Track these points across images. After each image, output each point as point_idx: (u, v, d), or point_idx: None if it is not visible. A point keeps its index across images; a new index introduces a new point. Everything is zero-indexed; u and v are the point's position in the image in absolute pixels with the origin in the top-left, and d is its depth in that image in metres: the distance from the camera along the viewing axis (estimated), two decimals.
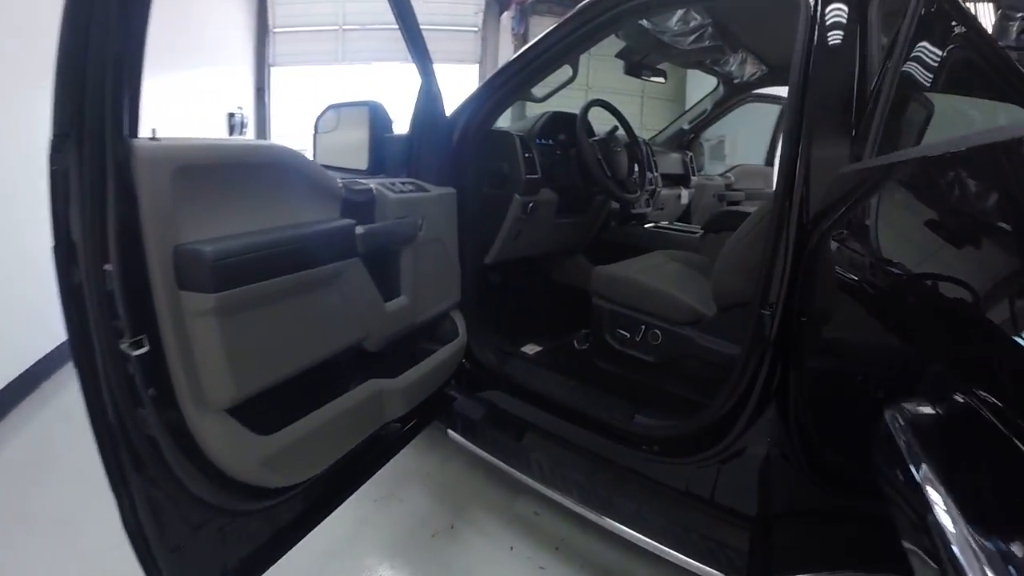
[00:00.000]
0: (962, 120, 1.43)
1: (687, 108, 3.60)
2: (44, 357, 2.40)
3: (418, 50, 1.62)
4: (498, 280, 2.35)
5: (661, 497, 1.51)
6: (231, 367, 0.96)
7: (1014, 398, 0.54)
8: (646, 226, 2.65)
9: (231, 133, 5.69)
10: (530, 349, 2.14)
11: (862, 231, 1.03)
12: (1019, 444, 0.48)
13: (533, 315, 2.46)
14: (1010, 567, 0.44)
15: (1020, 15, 1.99)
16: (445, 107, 1.75)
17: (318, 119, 1.76)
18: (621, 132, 2.39)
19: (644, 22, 2.43)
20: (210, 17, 5.40)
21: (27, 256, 1.88)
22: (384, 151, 1.66)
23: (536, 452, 1.70)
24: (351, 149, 1.66)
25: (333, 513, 1.38)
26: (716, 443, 1.40)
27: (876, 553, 0.88)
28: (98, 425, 0.88)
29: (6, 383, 2.21)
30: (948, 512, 0.51)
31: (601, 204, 2.45)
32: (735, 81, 3.05)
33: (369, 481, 1.49)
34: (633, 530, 1.49)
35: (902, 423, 0.65)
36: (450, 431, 1.83)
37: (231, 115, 5.71)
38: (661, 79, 2.81)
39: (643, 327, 1.83)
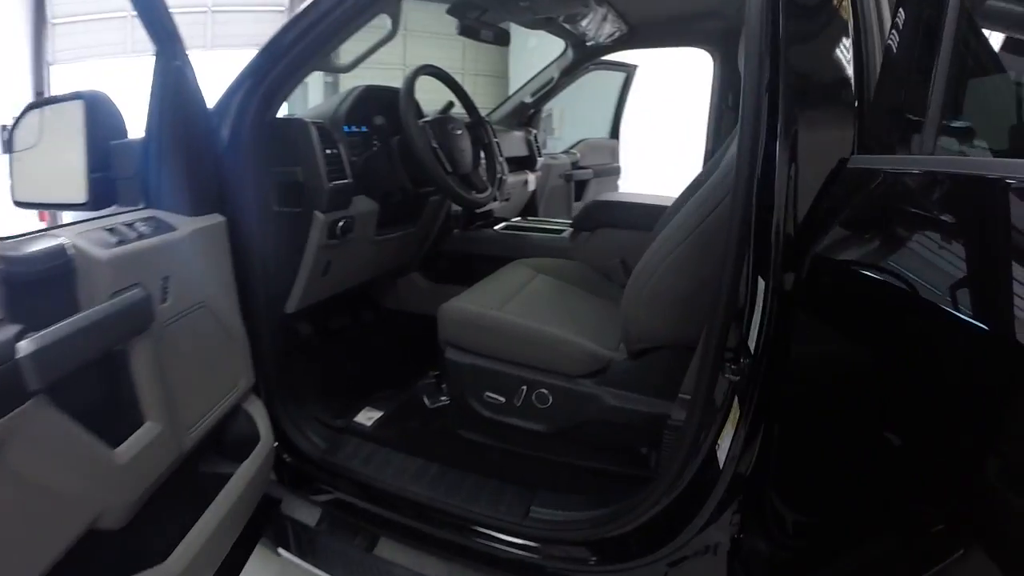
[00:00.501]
0: None
1: (513, 85, 3.15)
2: None
3: (150, 15, 1.03)
4: (308, 331, 1.78)
5: None
6: None
7: None
8: (496, 227, 2.19)
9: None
10: (367, 417, 1.61)
11: (893, 253, 0.69)
12: None
13: (364, 365, 1.95)
14: None
15: None
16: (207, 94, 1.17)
17: (13, 128, 1.11)
18: (459, 110, 1.89)
19: None
20: None
21: None
22: (113, 169, 1.07)
23: (401, 567, 1.28)
24: (63, 172, 1.06)
25: None
26: (662, 541, 1.05)
27: None
28: None
29: None
30: None
31: (436, 208, 1.98)
32: (587, 44, 2.66)
33: None
34: None
35: None
36: (280, 550, 1.35)
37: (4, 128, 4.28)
38: (503, 41, 2.33)
39: (524, 388, 1.38)
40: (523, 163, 2.93)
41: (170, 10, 1.05)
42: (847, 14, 0.84)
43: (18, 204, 1.10)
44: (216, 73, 1.27)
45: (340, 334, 1.95)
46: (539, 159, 3.02)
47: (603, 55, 2.84)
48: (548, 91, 2.94)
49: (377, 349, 2.04)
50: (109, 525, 0.85)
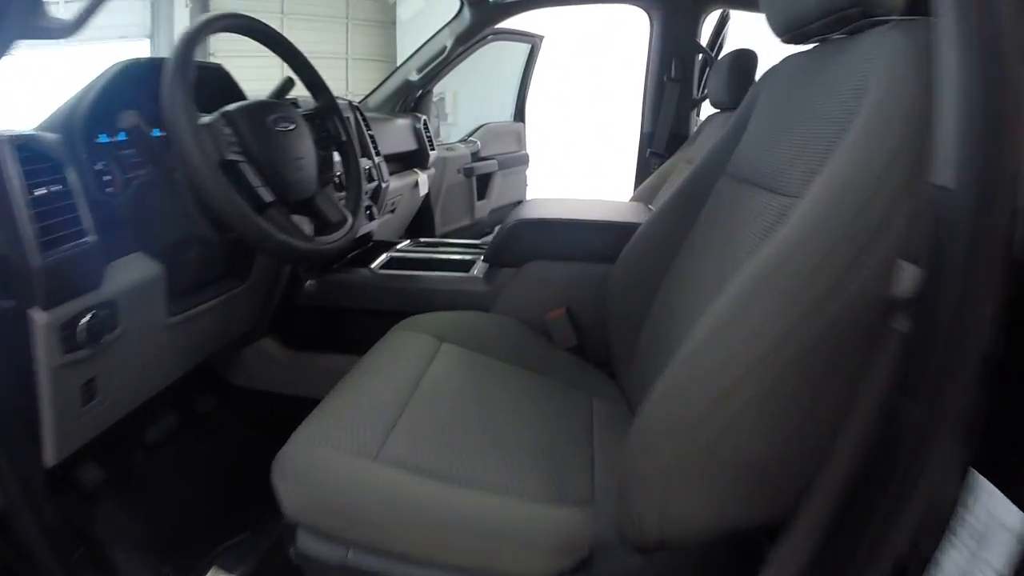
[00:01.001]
0: None
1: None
2: None
3: None
4: (97, 475, 1.08)
5: None
6: None
7: None
8: (374, 265, 1.51)
9: None
10: None
11: None
12: None
13: (206, 490, 1.29)
14: None
15: None
16: None
17: None
18: (305, 95, 1.21)
19: None
20: None
21: None
22: None
23: None
24: None
25: None
26: None
27: None
28: None
29: None
30: None
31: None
32: (490, 0, 2.03)
33: None
34: None
35: None
36: None
37: None
38: None
39: None
40: (411, 160, 2.28)
41: None
42: None
43: None
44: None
45: (164, 448, 1.25)
46: (432, 153, 2.37)
47: (508, 16, 2.22)
48: (440, 65, 2.28)
49: (223, 457, 1.36)
50: None
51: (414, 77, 2.29)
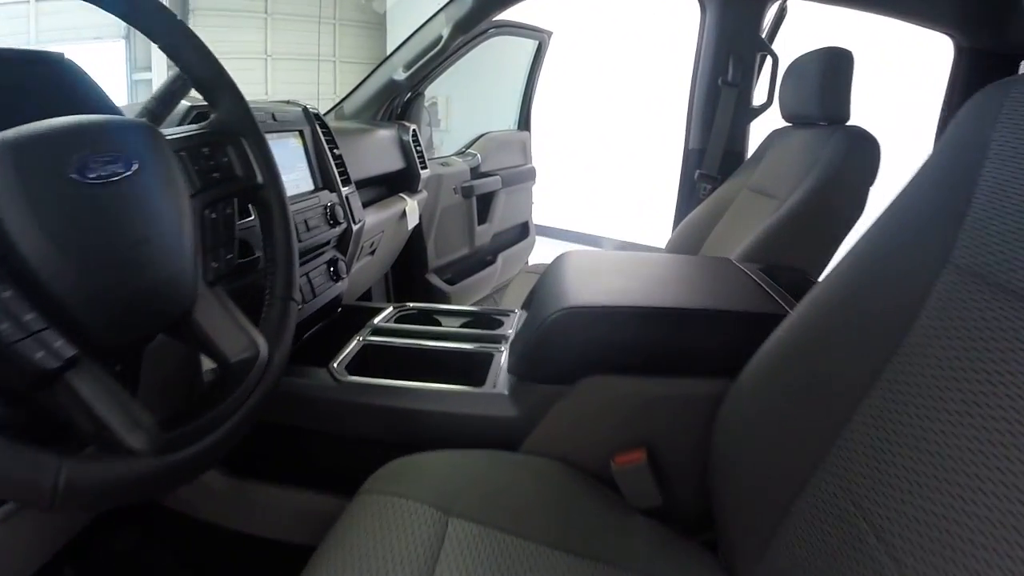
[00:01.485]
0: None
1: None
2: None
3: None
4: None
5: None
6: None
7: None
8: (336, 363, 1.00)
9: None
10: None
11: None
12: None
13: None
14: None
15: None
16: None
17: None
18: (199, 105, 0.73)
19: None
20: None
21: None
22: None
23: None
24: None
25: None
26: None
27: None
28: None
29: None
30: None
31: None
32: None
33: None
34: None
35: None
36: None
37: None
38: None
39: None
40: (396, 182, 1.79)
41: None
42: None
43: None
44: None
45: None
46: (423, 172, 1.88)
47: (516, 1, 1.73)
48: (434, 60, 1.79)
49: None
50: None
51: (401, 76, 1.79)
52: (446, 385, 0.90)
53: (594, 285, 0.88)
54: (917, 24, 1.80)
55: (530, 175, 2.96)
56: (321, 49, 7.59)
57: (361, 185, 1.39)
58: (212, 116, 0.64)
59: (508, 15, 1.83)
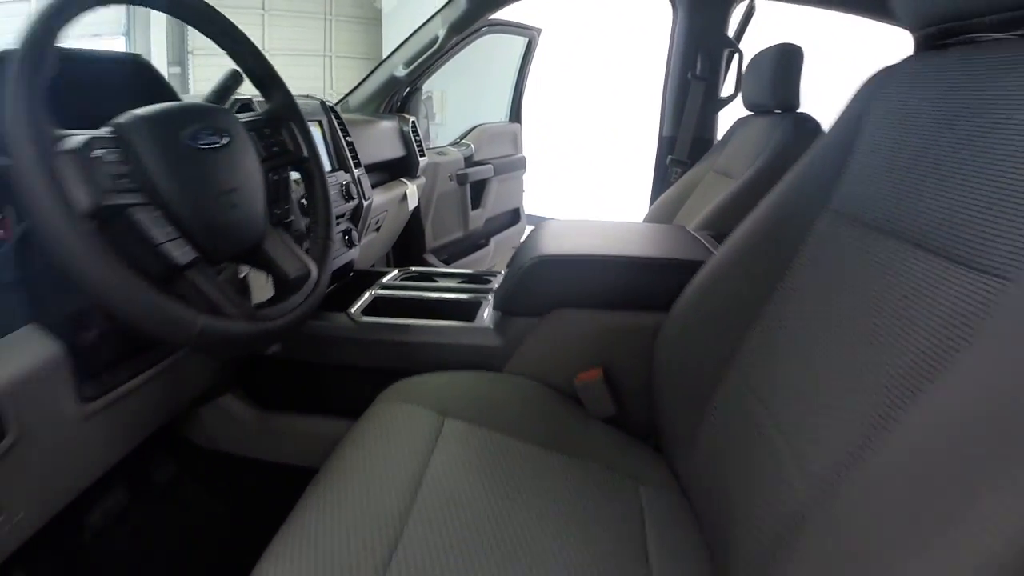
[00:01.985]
0: None
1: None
2: None
3: None
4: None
5: None
6: None
7: None
8: (354, 308, 1.22)
9: None
10: None
11: None
12: None
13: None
14: None
15: None
16: None
17: None
18: (256, 97, 0.94)
19: None
20: None
21: None
22: None
23: None
24: None
25: None
26: None
27: None
28: None
29: None
30: None
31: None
32: None
33: None
34: None
35: None
36: None
37: None
38: None
39: None
40: (398, 168, 2.00)
41: None
42: None
43: None
44: None
45: (109, 532, 1.03)
46: (422, 160, 2.09)
47: (508, 3, 1.94)
48: (431, 58, 2.00)
49: (181, 533, 1.16)
50: None
51: (401, 72, 2.01)
52: (443, 321, 1.12)
53: (564, 241, 1.10)
54: (877, 20, 2.01)
55: (521, 164, 3.17)
56: (315, 45, 7.75)
57: (367, 170, 1.61)
58: (267, 106, 0.86)
59: (500, 14, 2.04)
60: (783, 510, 0.56)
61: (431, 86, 2.93)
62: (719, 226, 1.46)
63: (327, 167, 1.37)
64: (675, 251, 1.07)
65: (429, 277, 1.42)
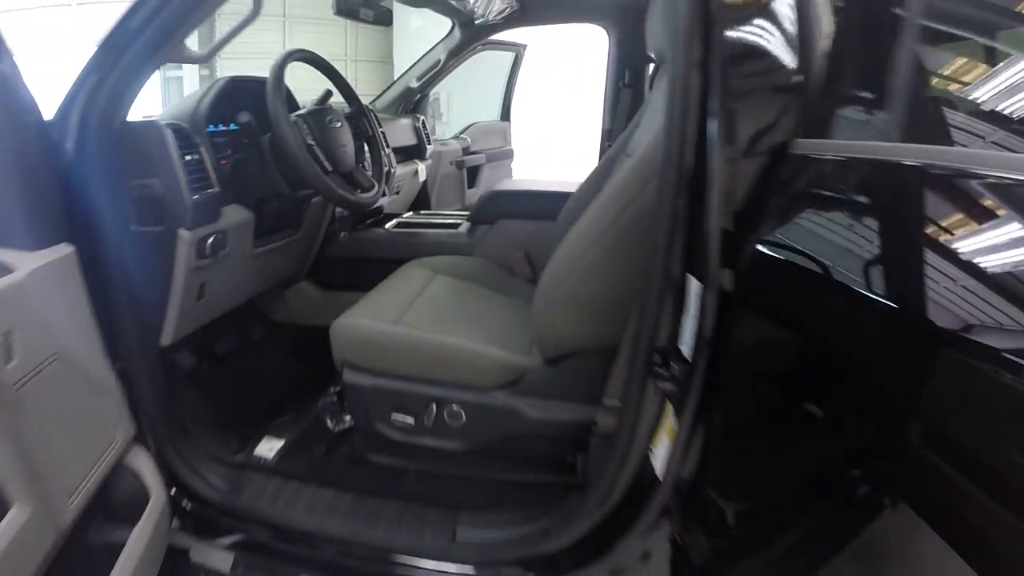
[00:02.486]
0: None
1: (398, 70, 3.04)
2: None
3: None
4: (191, 361, 1.64)
5: None
6: None
7: None
8: (387, 225, 2.11)
9: None
10: (268, 448, 1.51)
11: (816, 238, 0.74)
12: None
13: (259, 390, 1.84)
14: None
15: None
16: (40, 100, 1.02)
17: None
18: (338, 99, 1.80)
19: None
20: None
21: None
22: None
23: None
24: None
25: None
26: (601, 550, 1.07)
27: None
28: None
29: None
30: None
31: (319, 210, 1.88)
32: (476, 22, 2.61)
33: None
34: None
35: None
36: None
37: None
38: (384, 21, 2.22)
39: (433, 405, 1.33)
40: (412, 152, 2.86)
41: None
42: None
43: None
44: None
45: (228, 359, 1.81)
46: (429, 147, 2.95)
47: (493, 34, 2.80)
48: (435, 74, 2.86)
49: (271, 369, 1.93)
50: None
51: (414, 84, 2.87)
52: (439, 230, 1.99)
53: (507, 185, 1.95)
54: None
55: (508, 154, 4.01)
56: (337, 49, 8.46)
57: (392, 151, 2.46)
58: (348, 109, 1.72)
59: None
60: None
61: (439, 89, 3.78)
62: None
63: None
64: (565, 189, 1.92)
65: (432, 215, 2.29)
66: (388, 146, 2.35)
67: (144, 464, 1.14)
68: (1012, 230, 0.55)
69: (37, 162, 0.99)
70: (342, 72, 1.70)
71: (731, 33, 0.83)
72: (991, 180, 0.57)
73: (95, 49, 1.11)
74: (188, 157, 1.32)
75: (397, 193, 2.62)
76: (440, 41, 2.80)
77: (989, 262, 0.56)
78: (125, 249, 1.17)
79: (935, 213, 0.62)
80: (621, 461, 1.00)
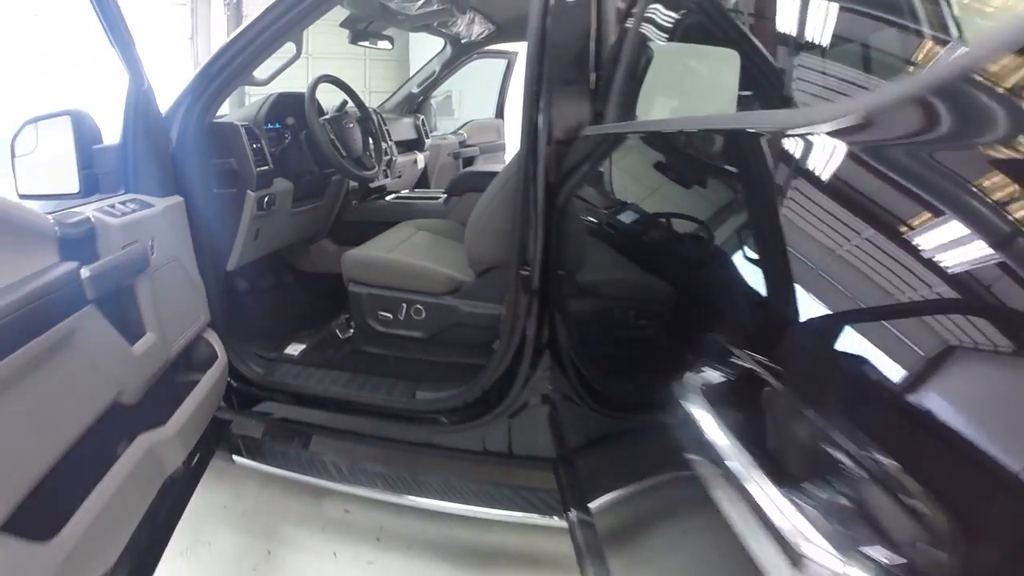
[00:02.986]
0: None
1: (413, 67, 3.73)
2: None
3: (120, 38, 1.47)
4: (245, 286, 2.31)
5: (464, 463, 1.76)
6: None
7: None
8: (387, 198, 2.78)
9: None
10: (294, 349, 2.16)
11: (602, 188, 1.34)
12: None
13: (287, 313, 2.50)
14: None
15: None
16: (160, 101, 1.67)
17: (14, 139, 1.56)
18: (351, 106, 2.45)
19: None
20: None
21: None
22: (96, 166, 1.55)
23: (328, 454, 1.84)
24: (58, 170, 1.52)
25: None
26: (501, 400, 1.65)
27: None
28: None
29: None
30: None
31: (338, 185, 2.54)
32: (463, 41, 3.26)
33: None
34: (447, 501, 1.71)
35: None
36: (235, 457, 1.86)
37: None
38: (388, 45, 2.90)
39: (404, 305, 1.99)
40: (412, 145, 3.51)
41: (136, 48, 1.54)
42: (592, 15, 1.42)
43: (22, 196, 1.58)
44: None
45: (268, 291, 2.49)
46: (427, 140, 3.60)
47: (479, 49, 3.45)
48: (432, 82, 3.52)
49: (297, 301, 2.61)
50: (127, 400, 1.35)
51: (415, 90, 3.54)
52: (424, 200, 2.65)
53: (478, 168, 2.61)
54: None
55: (501, 148, 4.65)
56: (355, 50, 9.07)
57: (397, 144, 3.11)
58: (359, 114, 2.38)
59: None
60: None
61: (451, 87, 4.46)
62: None
63: None
64: None
65: (420, 192, 2.95)
66: (391, 139, 3.01)
67: (214, 339, 1.79)
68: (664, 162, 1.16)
69: (160, 145, 1.65)
70: (360, 69, 2.43)
71: (556, 52, 1.40)
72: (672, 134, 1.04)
73: (195, 73, 1.76)
74: (254, 145, 1.99)
75: (399, 176, 3.28)
76: (434, 56, 3.47)
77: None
78: (211, 202, 1.83)
79: (638, 160, 1.22)
80: (509, 335, 1.62)
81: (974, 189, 0.43)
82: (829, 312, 0.52)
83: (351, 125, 2.34)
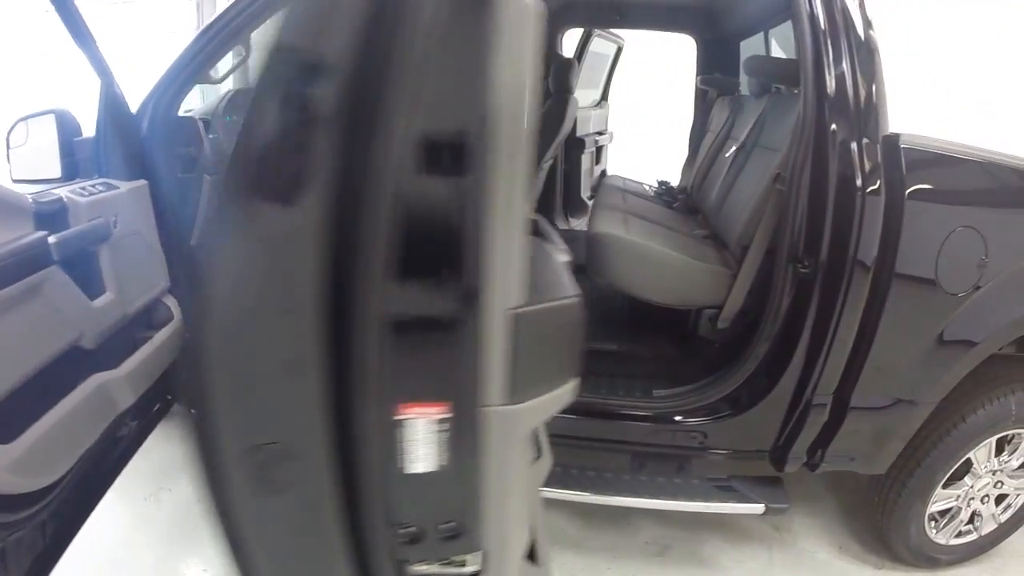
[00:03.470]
0: None
1: None
2: None
3: (90, 51, 1.77)
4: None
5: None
6: None
7: None
8: None
9: None
10: None
11: None
12: None
13: None
14: None
15: None
16: (131, 101, 1.98)
17: (8, 133, 1.90)
18: None
19: None
20: None
21: None
22: (75, 156, 1.88)
23: None
24: (44, 159, 1.85)
25: (109, 522, 1.62)
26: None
27: None
28: None
29: None
30: None
31: None
32: None
33: (134, 480, 1.72)
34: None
35: None
36: None
37: None
38: None
39: None
40: None
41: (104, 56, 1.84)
42: None
43: (15, 181, 1.91)
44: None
45: None
46: None
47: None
48: None
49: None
50: (86, 345, 1.55)
51: None
52: None
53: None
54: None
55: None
56: None
57: None
58: None
59: None
60: None
61: None
62: None
63: None
64: None
65: None
66: None
67: (172, 303, 2.07)
68: None
69: (129, 135, 1.96)
70: None
71: None
72: None
73: (162, 73, 2.07)
74: (211, 136, 2.30)
75: None
76: None
77: None
78: (173, 186, 2.13)
79: None
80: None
81: None
82: None
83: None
